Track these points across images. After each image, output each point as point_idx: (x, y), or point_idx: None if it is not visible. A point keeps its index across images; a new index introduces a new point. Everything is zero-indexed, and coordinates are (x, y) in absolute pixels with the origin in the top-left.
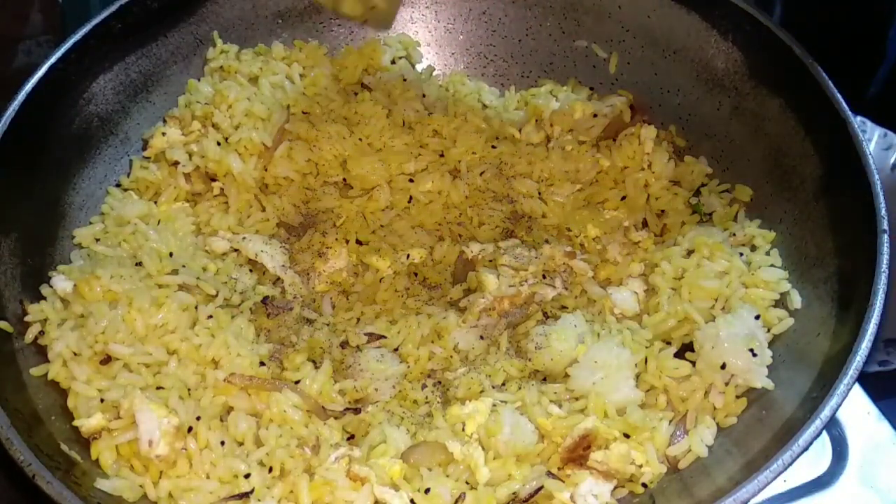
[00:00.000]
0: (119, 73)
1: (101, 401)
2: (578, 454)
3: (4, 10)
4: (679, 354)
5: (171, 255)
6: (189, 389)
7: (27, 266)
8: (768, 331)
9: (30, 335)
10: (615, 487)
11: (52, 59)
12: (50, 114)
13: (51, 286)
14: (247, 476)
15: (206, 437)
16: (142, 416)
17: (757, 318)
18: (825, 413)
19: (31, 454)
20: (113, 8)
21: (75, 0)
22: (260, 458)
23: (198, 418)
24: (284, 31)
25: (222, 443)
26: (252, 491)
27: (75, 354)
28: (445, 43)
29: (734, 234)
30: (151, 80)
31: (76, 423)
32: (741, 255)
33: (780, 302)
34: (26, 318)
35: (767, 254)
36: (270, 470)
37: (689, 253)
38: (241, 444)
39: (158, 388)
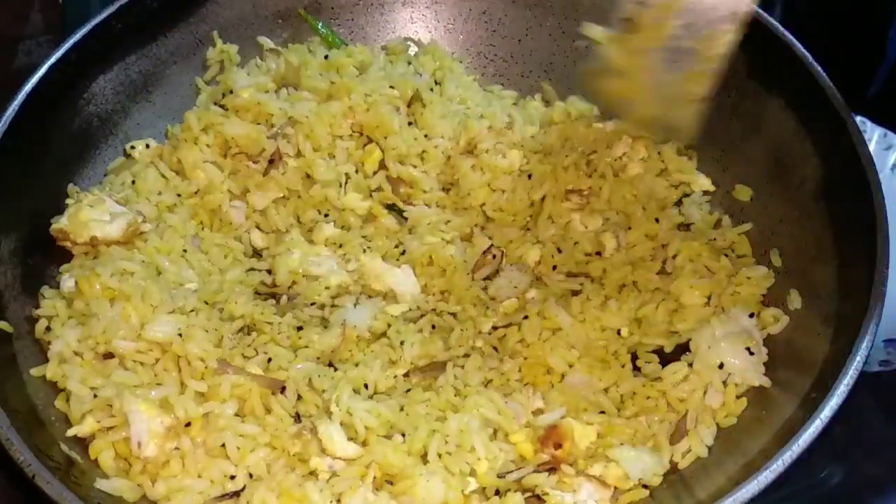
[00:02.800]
0: (119, 73)
1: (95, 396)
2: (550, 450)
3: (4, 10)
4: (676, 354)
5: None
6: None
7: (27, 266)
8: (762, 329)
9: (39, 331)
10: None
11: (52, 59)
12: (50, 114)
13: (57, 287)
14: (232, 478)
15: (202, 436)
16: (132, 416)
17: (751, 316)
18: (825, 413)
19: (30, 454)
20: (113, 8)
21: (75, 0)
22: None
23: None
24: (285, 31)
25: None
26: (244, 489)
27: (75, 354)
28: (445, 43)
29: (714, 240)
30: (151, 80)
31: (70, 431)
32: (726, 255)
33: (780, 302)
34: (37, 312)
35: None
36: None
37: (674, 257)
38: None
39: (158, 384)
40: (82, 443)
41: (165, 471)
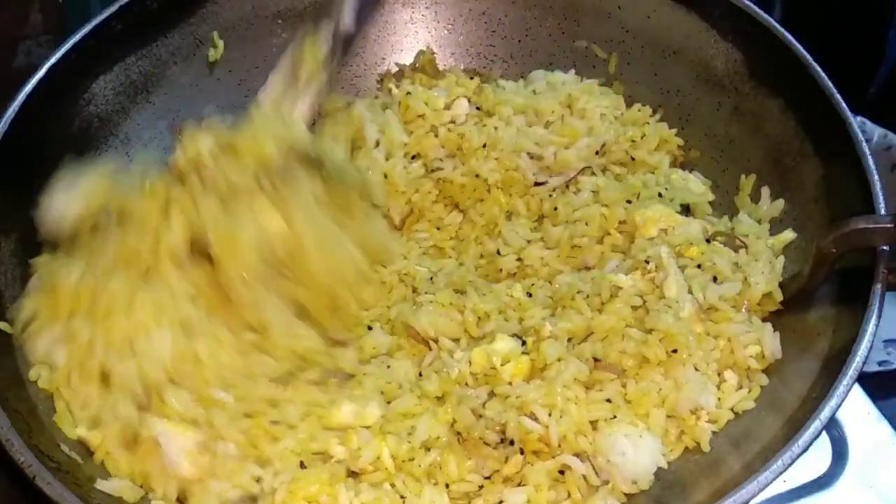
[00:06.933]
0: (119, 74)
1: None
2: None
3: (4, 10)
4: None
5: None
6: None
7: (27, 267)
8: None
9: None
10: None
11: (52, 60)
12: (50, 114)
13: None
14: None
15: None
16: (161, 438)
17: None
18: (825, 413)
19: (31, 455)
20: (113, 8)
21: (75, 0)
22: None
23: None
24: (284, 31)
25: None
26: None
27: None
28: (445, 43)
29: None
30: (151, 80)
31: (79, 432)
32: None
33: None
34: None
35: None
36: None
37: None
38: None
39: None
40: (83, 443)
41: (198, 485)
